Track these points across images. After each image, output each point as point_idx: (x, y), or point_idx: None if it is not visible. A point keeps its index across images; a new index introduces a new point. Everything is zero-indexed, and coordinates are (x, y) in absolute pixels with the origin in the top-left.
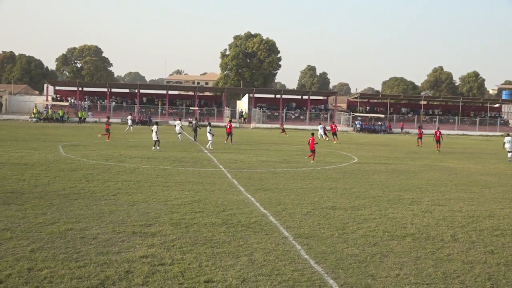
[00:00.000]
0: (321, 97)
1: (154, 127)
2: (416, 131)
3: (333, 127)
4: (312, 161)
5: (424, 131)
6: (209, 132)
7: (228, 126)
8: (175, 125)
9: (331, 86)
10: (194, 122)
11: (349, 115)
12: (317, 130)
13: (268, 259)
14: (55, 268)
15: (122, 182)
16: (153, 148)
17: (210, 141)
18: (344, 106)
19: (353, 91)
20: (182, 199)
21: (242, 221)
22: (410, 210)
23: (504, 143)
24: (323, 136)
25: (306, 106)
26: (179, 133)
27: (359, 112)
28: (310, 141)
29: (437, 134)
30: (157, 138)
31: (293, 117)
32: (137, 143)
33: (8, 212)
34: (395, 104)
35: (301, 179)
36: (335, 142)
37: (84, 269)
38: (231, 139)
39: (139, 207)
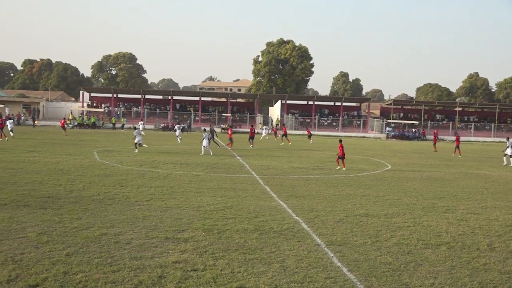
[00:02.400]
0: (354, 104)
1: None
2: (451, 138)
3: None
4: (343, 168)
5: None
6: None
7: (251, 130)
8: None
9: (364, 92)
10: (208, 128)
11: (382, 121)
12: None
13: (300, 266)
14: (89, 272)
15: (156, 187)
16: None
17: (204, 147)
18: (377, 112)
19: (386, 97)
20: (215, 205)
21: (274, 228)
22: (445, 218)
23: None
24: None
25: (338, 112)
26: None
27: (393, 119)
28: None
29: (457, 140)
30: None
31: (326, 123)
32: (170, 149)
33: (45, 217)
34: (429, 111)
35: (333, 185)
36: (282, 143)
37: (118, 273)
38: (252, 142)
39: (172, 212)
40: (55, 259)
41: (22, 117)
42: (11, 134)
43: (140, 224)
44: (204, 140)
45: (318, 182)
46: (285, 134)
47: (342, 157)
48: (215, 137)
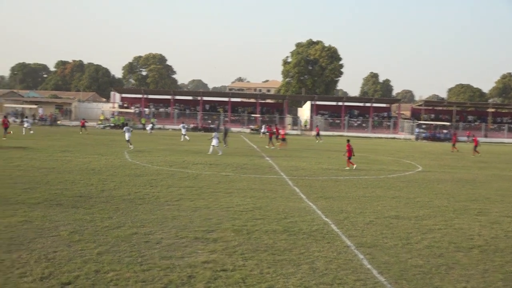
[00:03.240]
0: (384, 105)
1: (215, 134)
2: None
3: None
4: (354, 167)
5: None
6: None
7: (279, 131)
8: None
9: (394, 93)
10: (223, 126)
11: (413, 122)
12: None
13: (330, 268)
14: (120, 271)
15: (185, 188)
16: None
17: (213, 146)
18: (408, 113)
19: (417, 98)
20: (244, 206)
21: (304, 229)
22: (477, 221)
23: None
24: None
25: (368, 113)
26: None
27: (424, 120)
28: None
29: (475, 141)
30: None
31: (355, 124)
32: (199, 149)
33: (77, 216)
34: (461, 112)
35: (363, 187)
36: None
37: (148, 272)
38: (273, 143)
39: (201, 213)
40: (86, 257)
41: (55, 117)
42: (23, 131)
43: (170, 224)
44: (213, 139)
45: (347, 183)
46: (283, 138)
47: (349, 157)
48: (226, 136)
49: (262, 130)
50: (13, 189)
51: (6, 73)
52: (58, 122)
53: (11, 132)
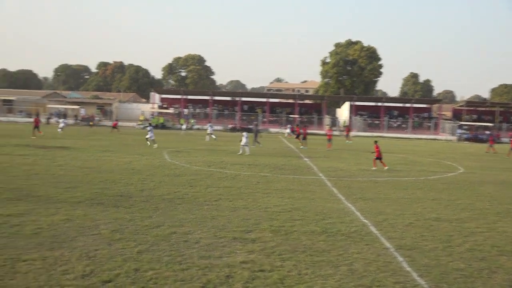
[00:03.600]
0: (424, 105)
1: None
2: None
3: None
4: (385, 168)
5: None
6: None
7: (300, 131)
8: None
9: (434, 93)
10: (254, 126)
11: (454, 123)
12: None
13: (369, 270)
14: (160, 270)
15: (224, 188)
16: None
17: (242, 145)
18: (449, 114)
19: (458, 99)
20: (282, 206)
21: (342, 230)
22: None
23: None
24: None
25: (408, 114)
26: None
27: (465, 121)
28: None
29: None
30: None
31: (395, 125)
32: (238, 150)
33: (117, 215)
34: (504, 112)
35: (403, 188)
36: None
37: (187, 272)
38: (304, 142)
39: (239, 213)
40: (127, 256)
41: (96, 118)
42: (59, 130)
43: (208, 223)
44: (243, 138)
45: (386, 184)
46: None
47: (379, 158)
48: (258, 137)
49: (287, 131)
50: (56, 188)
51: (50, 74)
52: (91, 123)
53: (42, 132)
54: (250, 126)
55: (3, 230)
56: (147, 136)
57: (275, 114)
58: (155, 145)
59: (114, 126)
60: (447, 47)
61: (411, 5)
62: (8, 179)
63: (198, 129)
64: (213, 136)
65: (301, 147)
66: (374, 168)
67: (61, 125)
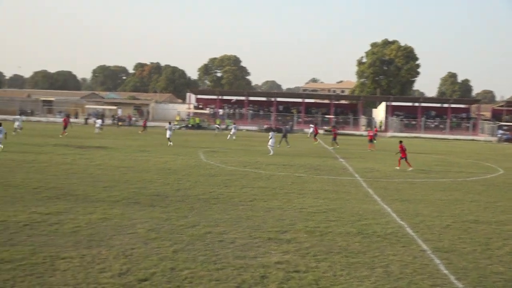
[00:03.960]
0: (462, 105)
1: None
2: None
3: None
4: (409, 168)
5: None
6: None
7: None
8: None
9: (473, 93)
10: (284, 128)
11: (494, 124)
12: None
13: (405, 272)
14: (195, 269)
15: (259, 188)
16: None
17: (270, 146)
18: (488, 114)
19: (498, 99)
20: (317, 207)
21: (378, 232)
22: None
23: None
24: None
25: (446, 114)
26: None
27: (505, 121)
28: (401, 148)
29: None
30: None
31: (433, 126)
32: (274, 150)
33: (154, 214)
34: None
35: (440, 190)
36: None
37: (222, 271)
38: (337, 143)
39: (274, 213)
40: (162, 255)
41: (133, 118)
42: (96, 131)
43: (243, 224)
44: (270, 139)
45: (423, 186)
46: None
47: (404, 157)
48: (286, 137)
49: (310, 131)
50: (94, 187)
51: (88, 75)
52: (119, 124)
53: (66, 133)
54: (281, 127)
55: (42, 228)
56: (168, 136)
57: (310, 115)
58: (170, 143)
59: (144, 126)
60: (486, 46)
61: (449, 4)
62: (48, 179)
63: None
64: (234, 137)
65: (331, 148)
66: (397, 168)
67: (97, 125)
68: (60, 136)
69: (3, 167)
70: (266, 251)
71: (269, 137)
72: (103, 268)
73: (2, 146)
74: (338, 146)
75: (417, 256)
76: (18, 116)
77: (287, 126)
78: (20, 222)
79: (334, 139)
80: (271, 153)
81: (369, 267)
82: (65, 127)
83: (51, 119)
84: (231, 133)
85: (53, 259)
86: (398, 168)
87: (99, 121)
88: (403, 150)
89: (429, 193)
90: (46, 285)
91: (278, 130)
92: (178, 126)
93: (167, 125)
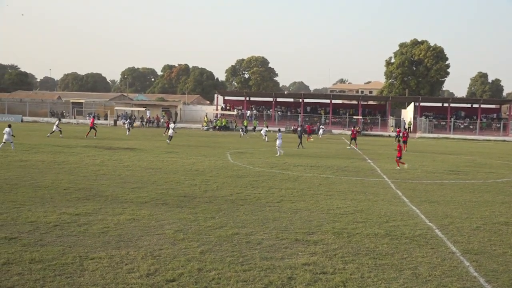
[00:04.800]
0: (493, 106)
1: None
2: None
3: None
4: (405, 166)
5: None
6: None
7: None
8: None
9: (504, 93)
10: (299, 129)
11: None
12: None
13: (434, 274)
14: (222, 270)
15: (286, 189)
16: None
17: (278, 147)
18: None
19: None
20: (345, 209)
21: (406, 233)
22: None
23: None
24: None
25: (476, 115)
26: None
27: None
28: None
29: None
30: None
31: (462, 126)
32: (300, 151)
33: (181, 215)
34: None
35: (470, 191)
36: (351, 147)
37: (249, 273)
38: (355, 143)
39: (301, 214)
40: (190, 256)
41: (162, 120)
42: (128, 133)
43: (270, 225)
44: (277, 140)
45: (453, 187)
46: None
47: (399, 156)
48: (302, 139)
49: (321, 132)
50: (122, 188)
51: (117, 77)
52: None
53: (88, 135)
54: (294, 127)
55: (72, 228)
56: (169, 133)
57: (338, 116)
58: (168, 141)
59: (167, 127)
60: None
61: (478, 3)
62: (78, 179)
63: (269, 131)
64: (266, 139)
65: (352, 148)
66: (398, 168)
67: (127, 126)
68: (94, 137)
69: (33, 168)
70: (293, 252)
71: (276, 137)
72: (132, 269)
73: (13, 148)
74: (349, 148)
75: (446, 258)
76: (57, 119)
77: (301, 127)
78: (50, 222)
79: (354, 139)
80: (278, 154)
81: (397, 269)
82: (91, 128)
83: (81, 120)
84: (263, 133)
85: (82, 260)
86: (398, 168)
87: (127, 122)
88: (400, 150)
89: (458, 195)
90: (75, 285)
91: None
92: (206, 128)
93: (170, 124)
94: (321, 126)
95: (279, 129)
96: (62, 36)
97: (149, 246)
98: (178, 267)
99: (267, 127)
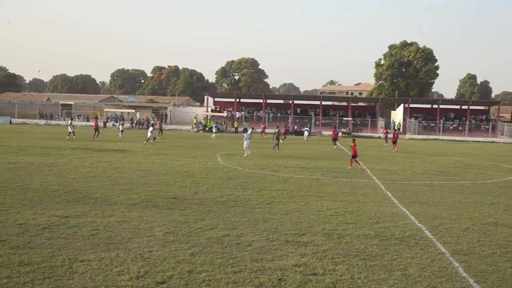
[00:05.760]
0: (482, 107)
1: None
2: None
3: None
4: (351, 167)
5: None
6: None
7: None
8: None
9: (493, 95)
10: (276, 131)
11: None
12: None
13: (423, 275)
14: (212, 272)
15: (276, 191)
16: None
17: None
18: (508, 116)
19: None
20: (335, 210)
21: (396, 234)
22: None
23: None
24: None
25: (465, 116)
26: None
27: None
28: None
29: None
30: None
31: (451, 128)
32: (291, 153)
33: (171, 217)
34: None
35: (459, 192)
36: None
37: (239, 274)
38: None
39: (292, 216)
40: (180, 258)
41: (151, 121)
42: (120, 135)
43: (261, 226)
44: (245, 140)
45: (442, 188)
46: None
47: (354, 156)
48: (280, 140)
49: (306, 134)
50: (112, 190)
51: (107, 79)
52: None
53: (95, 136)
54: (304, 129)
55: (61, 231)
56: (149, 135)
57: (328, 117)
58: (145, 142)
59: (160, 129)
60: (506, 46)
61: (468, 5)
62: (67, 182)
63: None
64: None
65: (334, 147)
66: (349, 167)
67: (120, 128)
68: (96, 139)
69: (22, 170)
70: (284, 253)
71: (244, 138)
72: (121, 271)
73: None
74: (335, 147)
75: (435, 259)
76: (69, 121)
77: (278, 129)
78: (39, 225)
79: (335, 139)
80: (246, 154)
81: (387, 270)
82: (96, 130)
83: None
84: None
85: (71, 262)
86: (350, 167)
87: (117, 124)
88: (355, 149)
89: (447, 196)
90: None
91: (295, 133)
92: (195, 129)
93: (150, 127)
94: (305, 129)
95: (246, 129)
96: (51, 37)
97: (139, 248)
98: (168, 269)
99: (252, 129)
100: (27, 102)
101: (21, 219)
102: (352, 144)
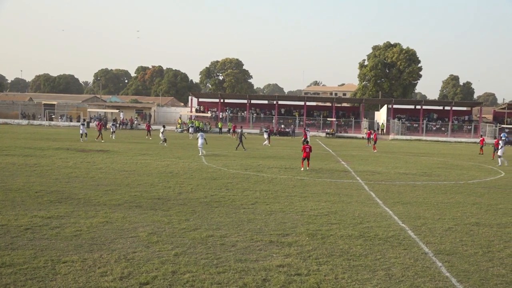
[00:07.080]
0: (464, 108)
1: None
2: None
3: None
4: (307, 168)
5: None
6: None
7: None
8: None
9: (475, 96)
10: (239, 131)
11: (495, 126)
12: None
13: (407, 275)
14: (196, 272)
15: (260, 191)
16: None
17: (200, 147)
18: (490, 117)
19: (500, 101)
20: (319, 210)
21: (380, 235)
22: None
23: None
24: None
25: (448, 117)
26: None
27: (507, 124)
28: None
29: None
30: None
31: (434, 128)
32: (275, 153)
33: (155, 217)
34: None
35: (442, 193)
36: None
37: (224, 275)
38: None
39: (276, 216)
40: (164, 258)
41: (135, 122)
42: (113, 136)
43: (245, 227)
44: (199, 139)
45: (425, 188)
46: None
47: (305, 158)
48: (243, 140)
49: (265, 137)
50: (95, 191)
51: (90, 79)
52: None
53: (102, 138)
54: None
55: (44, 232)
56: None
57: (312, 118)
58: (165, 144)
59: (148, 130)
60: (488, 48)
61: (451, 6)
62: (49, 182)
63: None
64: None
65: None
66: (302, 169)
67: (112, 129)
68: (102, 141)
69: (4, 171)
70: (268, 254)
71: (197, 137)
72: (105, 272)
73: None
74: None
75: (418, 259)
76: (81, 124)
77: (242, 129)
78: (21, 226)
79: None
80: (200, 153)
81: (371, 270)
82: (99, 132)
83: (53, 122)
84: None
85: (54, 263)
86: (302, 169)
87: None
88: (305, 150)
89: (430, 196)
90: None
91: (280, 133)
92: (180, 130)
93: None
94: (264, 130)
95: (196, 128)
96: (34, 37)
97: (123, 249)
98: (152, 270)
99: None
100: (9, 102)
101: (3, 220)
102: (303, 145)
